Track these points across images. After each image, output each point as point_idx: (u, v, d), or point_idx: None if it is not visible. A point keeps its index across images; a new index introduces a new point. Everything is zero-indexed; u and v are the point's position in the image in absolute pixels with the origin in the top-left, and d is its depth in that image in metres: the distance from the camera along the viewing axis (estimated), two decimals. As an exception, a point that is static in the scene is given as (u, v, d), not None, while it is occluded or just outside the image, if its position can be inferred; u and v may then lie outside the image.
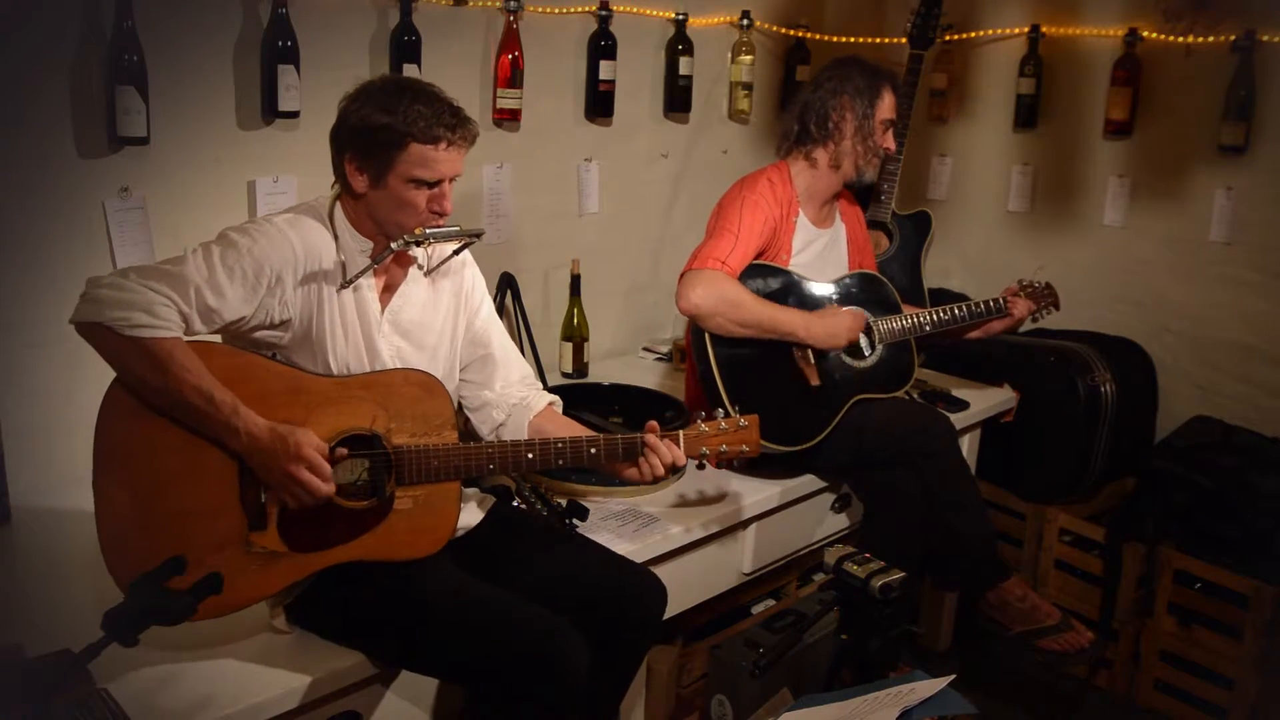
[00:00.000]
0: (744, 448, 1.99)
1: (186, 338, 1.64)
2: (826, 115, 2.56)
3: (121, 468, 1.64)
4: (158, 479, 1.64)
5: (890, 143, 2.63)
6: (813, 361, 2.49)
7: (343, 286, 1.79)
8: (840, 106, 2.56)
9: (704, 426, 1.98)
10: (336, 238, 1.80)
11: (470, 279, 2.03)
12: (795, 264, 2.57)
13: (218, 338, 1.74)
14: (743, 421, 1.99)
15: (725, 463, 2.00)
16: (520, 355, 2.11)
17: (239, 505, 1.67)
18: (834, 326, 2.47)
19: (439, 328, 1.95)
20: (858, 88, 2.55)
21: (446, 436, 1.79)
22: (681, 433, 1.96)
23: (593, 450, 1.89)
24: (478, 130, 1.82)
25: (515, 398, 2.05)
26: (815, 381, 2.49)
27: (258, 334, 1.75)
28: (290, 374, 1.73)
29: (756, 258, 2.49)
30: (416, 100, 1.74)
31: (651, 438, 1.92)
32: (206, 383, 1.61)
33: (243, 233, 1.72)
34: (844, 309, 2.55)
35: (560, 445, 1.87)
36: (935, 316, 2.67)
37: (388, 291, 1.88)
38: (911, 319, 2.65)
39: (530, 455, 1.84)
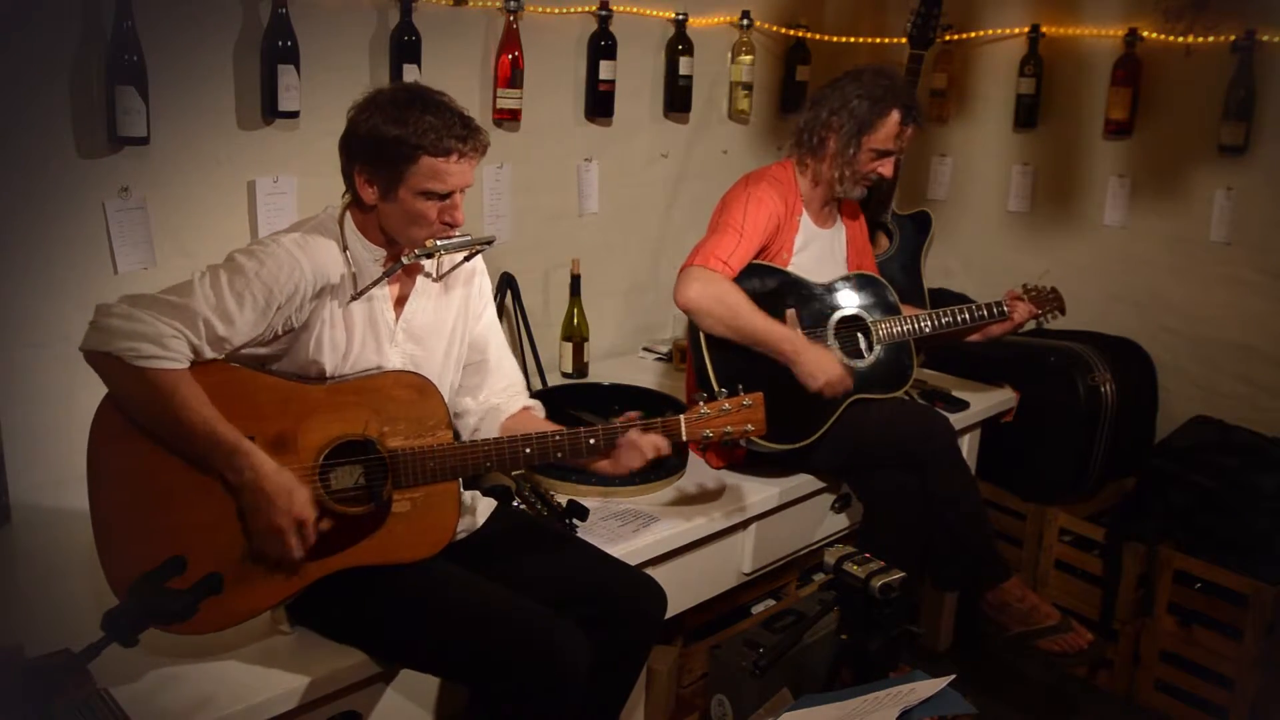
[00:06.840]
0: (749, 427, 1.94)
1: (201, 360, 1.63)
2: (815, 131, 2.56)
3: (117, 485, 1.63)
4: (154, 494, 1.63)
5: (886, 169, 2.55)
6: None
7: (353, 298, 1.78)
8: (828, 127, 2.53)
9: (705, 409, 1.93)
10: (347, 248, 1.79)
11: (479, 286, 2.02)
12: (795, 263, 2.57)
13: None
14: (746, 400, 1.93)
15: (731, 444, 1.94)
16: (514, 365, 2.09)
17: (237, 517, 1.66)
18: (826, 363, 2.35)
19: (448, 334, 1.94)
20: (854, 111, 2.50)
21: (441, 437, 1.78)
22: (682, 417, 1.92)
23: (591, 441, 1.87)
24: (488, 140, 1.80)
25: (491, 404, 2.03)
26: None
27: (257, 349, 1.74)
28: (278, 384, 1.72)
29: (758, 255, 2.49)
30: (427, 111, 1.72)
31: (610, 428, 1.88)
32: (209, 417, 1.60)
33: (250, 256, 1.69)
34: (840, 362, 2.45)
35: (559, 438, 1.85)
36: (935, 320, 2.66)
37: (401, 300, 1.87)
38: (911, 321, 2.64)
39: (528, 450, 1.83)
